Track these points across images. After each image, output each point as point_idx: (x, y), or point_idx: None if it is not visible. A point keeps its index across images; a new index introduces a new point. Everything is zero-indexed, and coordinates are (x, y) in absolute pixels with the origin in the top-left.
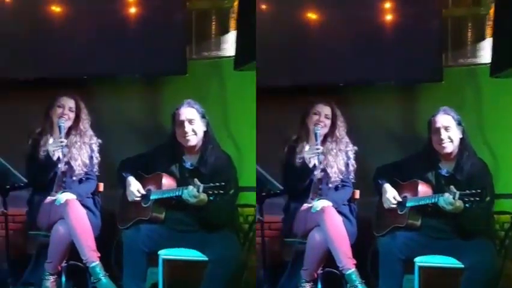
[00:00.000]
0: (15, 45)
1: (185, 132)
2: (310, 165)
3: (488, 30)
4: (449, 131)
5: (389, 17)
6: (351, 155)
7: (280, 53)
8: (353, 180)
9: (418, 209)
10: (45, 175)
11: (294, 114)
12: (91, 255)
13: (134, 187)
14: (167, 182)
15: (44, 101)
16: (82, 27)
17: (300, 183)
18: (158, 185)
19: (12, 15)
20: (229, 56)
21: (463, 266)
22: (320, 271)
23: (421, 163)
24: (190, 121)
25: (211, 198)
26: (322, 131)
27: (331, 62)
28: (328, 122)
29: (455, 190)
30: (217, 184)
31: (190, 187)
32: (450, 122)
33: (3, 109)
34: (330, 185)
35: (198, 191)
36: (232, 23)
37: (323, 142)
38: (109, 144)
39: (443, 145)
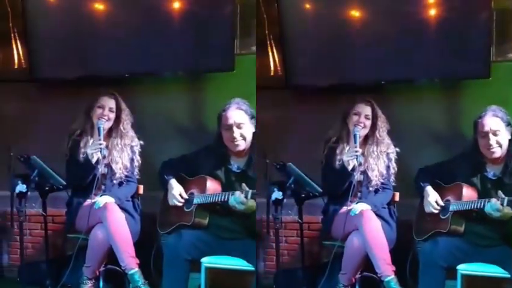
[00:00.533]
0: (58, 45)
1: (234, 138)
2: (349, 168)
3: None
4: (498, 135)
5: (433, 11)
6: (393, 157)
7: (320, 52)
8: (393, 184)
9: (462, 213)
10: (85, 177)
11: (334, 114)
12: (130, 262)
13: (176, 191)
14: (211, 185)
15: (86, 101)
16: (125, 24)
17: (339, 185)
18: (202, 189)
19: (55, 14)
20: None
21: (509, 275)
22: (357, 275)
23: (466, 165)
24: (239, 125)
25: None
26: (362, 132)
27: (373, 59)
28: (368, 123)
29: (503, 196)
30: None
31: (237, 193)
32: (499, 125)
33: (45, 109)
34: (370, 188)
35: (246, 197)
36: None
37: (364, 143)
38: (150, 145)
39: (492, 150)
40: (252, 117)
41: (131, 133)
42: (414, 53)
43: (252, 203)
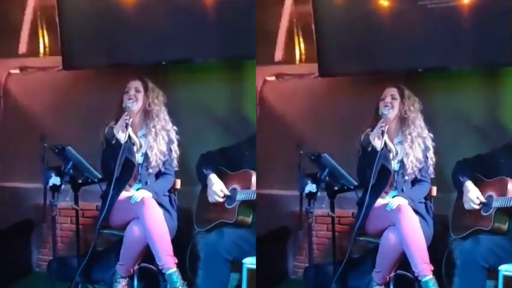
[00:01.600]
0: (91, 33)
1: None
2: (378, 148)
3: None
4: None
5: None
6: (430, 144)
7: (352, 40)
8: (432, 175)
9: (506, 210)
10: (114, 161)
11: (370, 103)
12: (168, 261)
13: (217, 186)
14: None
15: (119, 90)
16: (158, 12)
17: (370, 168)
18: (247, 184)
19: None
20: None
21: None
22: (392, 273)
23: (509, 157)
24: None
25: None
26: (390, 112)
27: (410, 47)
28: (396, 103)
29: None
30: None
31: None
32: None
33: (78, 99)
34: (406, 178)
35: None
36: None
37: (398, 128)
38: (186, 137)
39: None
40: None
41: (165, 115)
42: (453, 40)
43: None
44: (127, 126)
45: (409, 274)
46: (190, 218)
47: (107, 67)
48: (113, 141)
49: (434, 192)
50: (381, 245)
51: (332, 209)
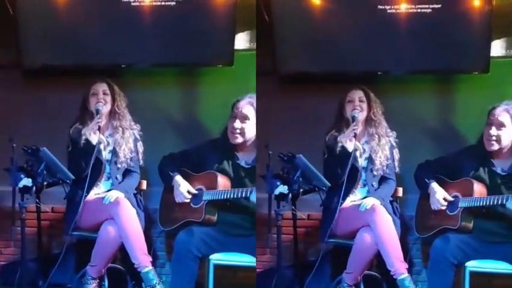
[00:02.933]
0: (52, 34)
1: (234, 128)
2: (350, 149)
3: None
4: (502, 129)
5: (432, 3)
6: (393, 142)
7: (313, 41)
8: (397, 171)
9: (471, 210)
10: (87, 162)
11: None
12: (144, 260)
13: (184, 187)
14: (222, 181)
15: (79, 91)
16: (119, 14)
17: (342, 170)
18: (213, 185)
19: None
20: None
21: None
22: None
23: (471, 159)
24: (243, 118)
25: None
26: (360, 115)
27: (370, 50)
28: (364, 106)
29: None
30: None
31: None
32: (506, 120)
33: (38, 100)
34: (375, 173)
35: None
36: None
37: (364, 129)
38: (144, 139)
39: (490, 142)
40: None
41: (129, 116)
42: (410, 45)
43: None
44: (99, 128)
45: (377, 274)
46: (150, 218)
47: (69, 68)
48: (82, 143)
49: (400, 193)
50: (356, 246)
51: (295, 211)
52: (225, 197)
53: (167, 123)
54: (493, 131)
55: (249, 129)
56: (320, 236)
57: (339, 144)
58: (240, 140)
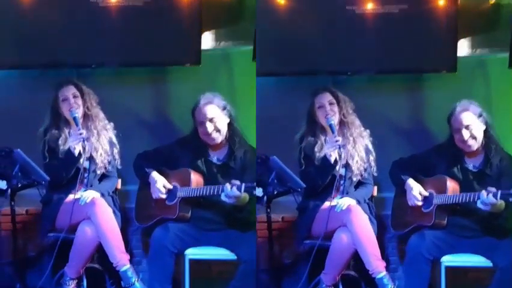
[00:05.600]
0: (19, 35)
1: (208, 133)
2: (332, 160)
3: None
4: (471, 128)
5: (400, 4)
6: (368, 141)
7: (282, 42)
8: (374, 174)
9: (444, 206)
10: (67, 173)
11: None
12: (122, 258)
13: (160, 183)
14: (195, 178)
15: (46, 93)
16: (86, 14)
17: (322, 181)
18: (186, 182)
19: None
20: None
21: (491, 265)
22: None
23: (443, 157)
24: (211, 120)
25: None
26: (335, 120)
27: (338, 51)
28: (336, 109)
29: (494, 189)
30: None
31: (229, 186)
32: (470, 119)
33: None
34: (354, 178)
35: (240, 191)
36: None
37: (339, 132)
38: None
39: (468, 144)
40: (224, 109)
41: (102, 114)
42: (381, 45)
43: (245, 195)
44: (83, 140)
45: (354, 273)
46: (126, 216)
47: (34, 69)
48: (61, 152)
49: (375, 192)
50: (333, 247)
51: (269, 213)
52: (199, 194)
53: (137, 123)
54: (465, 135)
55: (222, 125)
56: (296, 238)
57: (319, 155)
58: (218, 139)
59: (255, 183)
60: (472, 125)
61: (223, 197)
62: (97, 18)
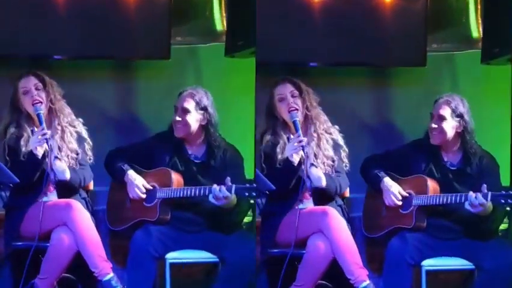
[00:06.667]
0: None
1: (175, 121)
2: (295, 162)
3: (478, 12)
4: (443, 121)
5: None
6: (338, 136)
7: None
8: (346, 168)
9: (424, 208)
10: (31, 176)
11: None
12: (104, 267)
13: (139, 182)
14: (176, 178)
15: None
16: (51, 4)
17: (286, 185)
18: (166, 182)
19: None
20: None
21: (473, 267)
22: None
23: (420, 154)
24: (183, 110)
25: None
26: (300, 115)
27: (301, 41)
28: (299, 102)
29: (485, 190)
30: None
31: (217, 187)
32: (446, 112)
33: None
34: None
35: (230, 192)
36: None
37: (302, 128)
38: None
39: (433, 133)
40: (202, 109)
41: (67, 108)
42: (347, 37)
43: (234, 197)
44: (47, 141)
45: (329, 284)
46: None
47: None
48: (23, 154)
49: (348, 193)
50: (308, 256)
51: None
52: (183, 195)
53: (102, 119)
54: (434, 123)
55: (192, 121)
56: (261, 246)
57: (280, 156)
58: (181, 133)
59: (247, 184)
60: (446, 119)
61: (210, 199)
62: (61, 5)
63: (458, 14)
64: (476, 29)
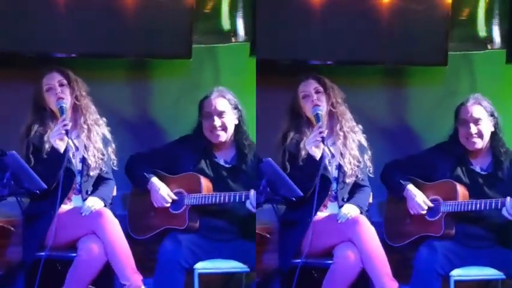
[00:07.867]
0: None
1: (214, 127)
2: (317, 157)
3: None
4: (480, 124)
5: None
6: (362, 138)
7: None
8: (370, 175)
9: (453, 215)
10: (54, 176)
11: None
12: (135, 280)
13: (164, 190)
14: (206, 183)
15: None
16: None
17: (309, 181)
18: (195, 188)
19: None
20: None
21: (504, 276)
22: None
23: (446, 158)
24: (220, 114)
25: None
26: (323, 111)
27: (322, 40)
28: (323, 98)
29: None
30: None
31: (252, 193)
32: (481, 114)
33: None
34: (347, 180)
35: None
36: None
37: (328, 126)
38: None
39: (472, 140)
40: (235, 108)
41: (93, 106)
42: (368, 36)
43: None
44: (67, 133)
45: None
46: None
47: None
48: (46, 151)
49: (371, 199)
50: (336, 266)
51: None
52: (215, 201)
53: (118, 122)
54: (473, 128)
55: (230, 124)
56: (281, 257)
57: (303, 152)
58: (223, 137)
59: None
60: (482, 120)
61: (247, 205)
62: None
63: (479, 14)
64: (496, 29)
